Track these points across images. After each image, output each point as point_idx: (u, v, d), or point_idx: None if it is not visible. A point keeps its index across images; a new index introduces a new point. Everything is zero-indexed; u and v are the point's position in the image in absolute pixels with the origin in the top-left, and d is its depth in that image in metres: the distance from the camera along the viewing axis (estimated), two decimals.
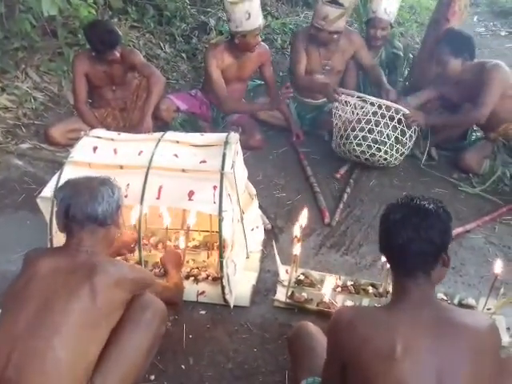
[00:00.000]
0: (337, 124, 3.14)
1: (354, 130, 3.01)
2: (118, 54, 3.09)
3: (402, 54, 3.87)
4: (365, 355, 1.19)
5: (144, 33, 4.59)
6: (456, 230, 2.61)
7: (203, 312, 2.04)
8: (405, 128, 2.98)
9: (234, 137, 2.07)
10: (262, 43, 3.42)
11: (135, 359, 1.46)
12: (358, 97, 3.02)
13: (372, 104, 2.95)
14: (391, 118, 2.95)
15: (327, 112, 3.56)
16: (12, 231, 2.39)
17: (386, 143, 2.98)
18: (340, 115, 3.09)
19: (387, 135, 2.97)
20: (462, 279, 2.33)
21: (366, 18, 3.74)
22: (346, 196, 2.89)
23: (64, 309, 1.32)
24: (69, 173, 1.95)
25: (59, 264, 1.42)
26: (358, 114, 3.00)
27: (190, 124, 3.41)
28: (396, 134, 2.97)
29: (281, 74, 4.42)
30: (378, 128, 2.95)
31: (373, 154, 3.02)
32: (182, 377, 1.76)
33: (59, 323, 1.30)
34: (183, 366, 1.80)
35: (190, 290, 2.08)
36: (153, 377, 1.75)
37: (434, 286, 1.28)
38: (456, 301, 2.12)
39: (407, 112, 2.97)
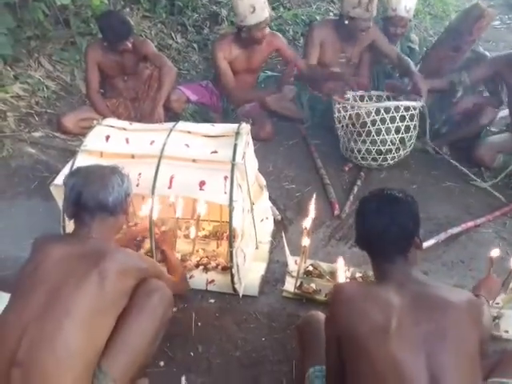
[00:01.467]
0: (339, 129, 3.11)
1: (356, 142, 2.99)
2: (129, 45, 3.11)
3: (417, 47, 3.82)
4: (361, 328, 1.25)
5: (156, 23, 4.59)
6: (466, 224, 2.61)
7: (212, 300, 2.06)
8: (409, 122, 2.92)
9: (246, 128, 2.07)
10: (271, 31, 3.37)
11: (141, 344, 1.47)
12: (352, 107, 2.97)
13: (369, 112, 2.89)
14: (392, 120, 2.88)
15: None
16: (25, 219, 2.41)
17: (391, 150, 2.96)
18: (340, 121, 3.06)
19: (391, 141, 2.93)
20: (471, 273, 2.32)
21: (383, 15, 3.63)
22: (356, 188, 2.88)
23: (74, 294, 1.33)
24: (81, 161, 1.97)
25: (69, 250, 1.43)
26: (356, 125, 2.95)
27: (201, 115, 3.42)
28: (400, 135, 2.93)
29: None
30: (380, 137, 2.91)
31: (380, 164, 3.03)
32: (191, 364, 1.79)
33: (69, 308, 1.32)
34: (192, 353, 1.83)
35: (200, 279, 2.10)
36: (162, 363, 1.78)
37: (412, 266, 1.38)
38: None
39: (420, 104, 2.92)
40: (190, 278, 2.11)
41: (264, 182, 2.38)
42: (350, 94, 3.14)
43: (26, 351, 1.26)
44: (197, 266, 2.16)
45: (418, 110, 2.94)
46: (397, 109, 2.87)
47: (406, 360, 1.20)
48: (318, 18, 5.05)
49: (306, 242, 2.02)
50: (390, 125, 2.88)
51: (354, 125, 2.98)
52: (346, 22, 3.24)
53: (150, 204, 1.93)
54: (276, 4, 5.10)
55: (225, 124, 2.26)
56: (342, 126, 3.06)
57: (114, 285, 1.39)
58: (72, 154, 2.12)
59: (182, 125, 2.15)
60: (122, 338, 1.43)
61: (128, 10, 4.45)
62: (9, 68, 3.63)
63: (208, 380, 1.74)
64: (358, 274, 2.18)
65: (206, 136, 2.08)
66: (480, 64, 3.17)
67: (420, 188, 2.97)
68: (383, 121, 2.88)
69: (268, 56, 3.46)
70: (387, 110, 2.87)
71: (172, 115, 3.30)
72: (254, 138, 2.20)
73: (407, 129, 2.94)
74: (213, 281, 2.10)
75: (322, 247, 2.43)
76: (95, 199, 1.48)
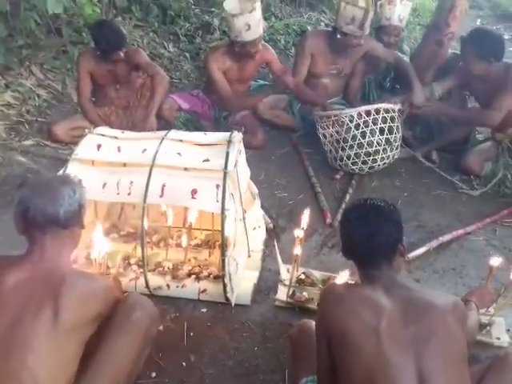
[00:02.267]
0: (325, 144, 3.16)
1: (343, 149, 3.04)
2: (122, 55, 3.11)
3: (408, 58, 3.87)
4: (352, 327, 1.28)
5: (148, 32, 4.61)
6: (457, 232, 2.62)
7: (204, 310, 2.04)
8: (391, 124, 2.99)
9: (238, 136, 2.07)
10: (263, 43, 3.40)
11: (123, 364, 1.40)
12: (335, 115, 3.02)
13: (351, 117, 2.95)
14: (375, 122, 2.95)
15: None
16: (13, 230, 2.39)
17: (379, 151, 3.00)
18: (325, 136, 3.13)
19: (377, 143, 2.98)
20: (462, 281, 2.34)
21: (376, 25, 3.66)
22: (347, 197, 2.90)
23: (32, 326, 1.24)
24: (73, 170, 1.96)
25: (23, 275, 1.31)
26: (341, 132, 3.01)
27: (193, 123, 3.43)
28: (385, 136, 2.98)
29: None
30: (366, 139, 2.97)
31: (371, 167, 3.07)
32: (183, 374, 1.77)
33: (31, 342, 1.23)
34: (184, 364, 1.81)
35: (192, 288, 2.09)
36: (154, 374, 1.75)
37: (396, 270, 1.42)
38: None
39: (397, 107, 3.00)
40: (182, 287, 2.10)
41: (256, 191, 2.38)
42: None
43: None
44: (189, 275, 2.14)
45: (397, 113, 3.03)
46: (377, 111, 2.95)
47: (396, 360, 1.22)
48: (309, 27, 5.10)
49: (298, 250, 2.02)
50: (374, 126, 2.95)
51: (338, 132, 3.03)
52: (338, 36, 3.26)
53: (142, 212, 1.92)
54: (268, 14, 5.15)
55: (217, 132, 2.26)
56: (328, 140, 3.12)
57: (73, 313, 1.29)
58: (63, 162, 2.10)
59: (174, 133, 2.15)
60: (103, 358, 1.37)
61: (120, 18, 4.47)
62: (0, 76, 3.62)
63: None
64: (350, 282, 2.18)
65: (198, 144, 2.08)
66: (449, 74, 3.24)
67: (411, 196, 3.00)
68: (366, 123, 2.95)
69: (259, 67, 3.48)
70: (368, 113, 2.95)
71: (164, 124, 3.31)
72: (245, 147, 2.20)
73: (390, 130, 3.00)
74: (205, 290, 2.09)
75: (315, 255, 2.43)
76: (44, 213, 1.35)
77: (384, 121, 2.96)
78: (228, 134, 2.09)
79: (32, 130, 3.40)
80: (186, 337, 1.91)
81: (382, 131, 2.97)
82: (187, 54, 4.59)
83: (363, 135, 2.97)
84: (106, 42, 3.04)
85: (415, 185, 3.13)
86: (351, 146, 3.01)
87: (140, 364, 1.54)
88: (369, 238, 1.37)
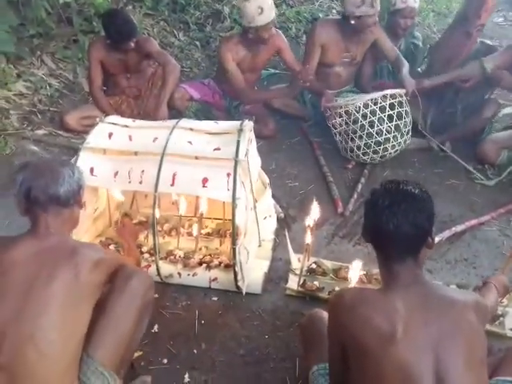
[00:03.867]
0: (336, 135, 3.13)
1: (353, 140, 3.00)
2: (132, 45, 3.10)
3: (421, 44, 3.80)
4: (366, 337, 1.21)
5: (158, 20, 4.58)
6: (470, 222, 2.59)
7: (215, 298, 2.06)
8: (399, 109, 2.94)
9: (248, 125, 2.06)
10: (275, 30, 3.37)
11: (124, 326, 1.48)
12: (341, 107, 2.98)
13: (357, 107, 2.91)
14: (382, 110, 2.90)
15: None
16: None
17: (389, 139, 2.96)
18: (335, 126, 3.08)
19: (387, 131, 2.93)
20: (475, 271, 2.31)
21: (392, 9, 3.55)
22: (360, 186, 2.88)
23: (46, 291, 1.32)
24: (84, 158, 1.97)
25: (33, 249, 1.39)
26: (349, 123, 2.97)
27: (204, 113, 3.42)
28: (394, 123, 2.93)
29: None
30: (375, 128, 2.92)
31: (383, 156, 3.03)
32: (195, 361, 1.79)
33: (44, 305, 1.31)
34: (195, 351, 1.82)
35: (203, 277, 2.10)
36: (165, 360, 1.78)
37: (421, 266, 1.33)
38: None
39: (404, 91, 2.97)
40: (194, 275, 2.11)
41: (267, 180, 2.37)
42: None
43: (7, 354, 1.25)
44: (200, 263, 2.15)
45: (404, 97, 2.98)
46: (383, 98, 2.89)
47: (413, 362, 1.16)
48: (320, 15, 5.03)
49: (309, 239, 2.01)
50: (382, 114, 2.90)
51: (347, 123, 2.99)
52: (353, 21, 3.22)
53: (154, 201, 1.92)
54: (279, 1, 5.08)
55: (228, 121, 2.25)
56: (338, 131, 3.08)
57: (86, 278, 1.38)
58: (75, 151, 2.11)
59: (184, 122, 2.15)
60: (105, 322, 1.45)
61: (130, 7, 4.45)
62: (12, 66, 3.64)
63: (211, 377, 1.74)
64: (361, 273, 2.16)
65: (208, 133, 2.07)
66: (503, 52, 3.13)
67: (423, 186, 2.96)
68: (373, 112, 2.89)
69: (272, 55, 3.46)
70: (375, 102, 2.89)
71: (175, 113, 3.30)
72: (256, 136, 2.19)
73: (399, 116, 2.95)
74: (216, 278, 2.09)
75: (326, 245, 2.42)
76: (46, 192, 1.43)
77: (392, 107, 2.92)
78: (239, 122, 2.08)
79: (44, 119, 3.42)
80: (197, 324, 1.93)
81: (390, 118, 2.93)
82: (197, 43, 4.55)
83: (371, 125, 2.92)
84: (117, 33, 3.03)
85: (428, 174, 3.09)
86: (360, 137, 2.97)
87: (141, 329, 1.60)
88: (397, 229, 1.24)
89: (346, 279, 2.14)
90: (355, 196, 2.78)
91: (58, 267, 1.36)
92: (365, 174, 3.01)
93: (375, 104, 2.90)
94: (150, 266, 2.09)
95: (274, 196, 2.51)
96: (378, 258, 1.35)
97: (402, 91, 2.98)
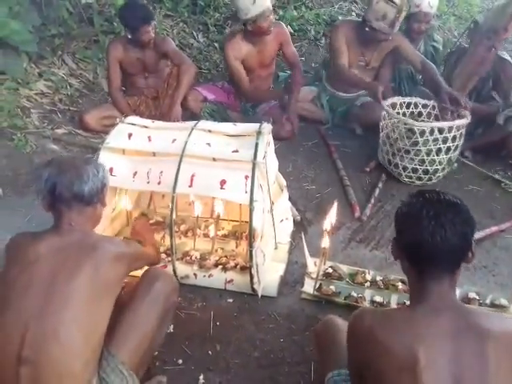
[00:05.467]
0: (382, 138, 3.01)
1: (402, 158, 2.87)
2: (152, 34, 3.11)
3: (441, 47, 3.76)
4: (383, 363, 1.14)
5: (178, 22, 4.62)
6: (490, 229, 2.55)
7: (231, 300, 2.05)
8: (458, 142, 2.80)
9: (267, 127, 2.06)
10: (277, 21, 3.36)
11: (146, 327, 1.51)
12: (405, 123, 2.79)
13: (423, 131, 2.72)
14: (444, 141, 2.75)
15: (359, 106, 3.52)
16: (47, 214, 2.44)
17: (438, 170, 2.88)
18: (388, 135, 2.93)
19: (439, 162, 2.84)
20: (494, 279, 2.27)
21: (406, 13, 3.58)
22: (377, 191, 2.85)
23: (69, 286, 1.34)
24: (104, 158, 1.99)
25: (56, 244, 1.41)
26: (405, 142, 2.82)
27: (219, 114, 3.43)
28: (451, 155, 2.83)
29: (313, 65, 4.37)
30: (431, 157, 2.80)
31: (424, 184, 2.90)
32: (209, 362, 1.78)
33: (67, 300, 1.33)
34: (210, 352, 1.82)
35: (219, 278, 2.10)
36: (180, 361, 1.78)
37: (455, 286, 1.23)
38: (488, 301, 2.07)
39: (468, 121, 2.79)
40: (209, 276, 2.11)
41: (284, 183, 2.36)
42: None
43: (31, 348, 1.27)
44: (216, 265, 2.15)
45: (462, 129, 2.81)
46: (450, 129, 2.74)
47: None
48: (340, 17, 5.01)
49: (325, 243, 2.00)
50: (442, 145, 2.76)
51: (402, 139, 2.84)
52: (367, 29, 3.22)
53: (172, 202, 1.93)
54: (298, 4, 5.09)
55: (246, 124, 2.25)
56: (387, 139, 2.93)
57: (107, 272, 1.41)
58: (94, 151, 2.14)
59: (203, 124, 2.16)
60: (128, 321, 1.48)
61: (150, 8, 4.48)
62: (33, 65, 3.71)
63: (226, 379, 1.73)
64: (378, 278, 2.15)
65: (227, 135, 2.08)
66: None
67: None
68: (435, 141, 2.75)
69: (278, 48, 3.44)
70: (441, 131, 2.73)
71: (190, 115, 3.31)
72: (274, 138, 2.19)
73: (455, 148, 2.85)
74: (231, 280, 2.09)
75: (342, 249, 2.40)
76: (70, 189, 1.45)
77: (453, 139, 2.77)
78: (257, 125, 2.08)
79: (64, 118, 3.47)
80: (213, 326, 1.92)
81: (447, 150, 2.80)
82: (216, 45, 4.57)
83: (428, 152, 2.79)
84: (133, 16, 3.04)
85: (446, 180, 3.04)
86: (411, 159, 2.85)
87: (163, 331, 1.63)
88: (445, 241, 1.14)
89: (362, 284, 2.12)
90: (372, 201, 2.76)
91: (80, 262, 1.38)
92: (382, 178, 2.98)
93: (440, 133, 2.74)
94: (166, 266, 2.10)
95: (290, 199, 2.51)
96: (410, 275, 1.26)
97: (466, 121, 2.80)
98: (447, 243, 1.15)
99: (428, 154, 2.81)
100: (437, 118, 3.02)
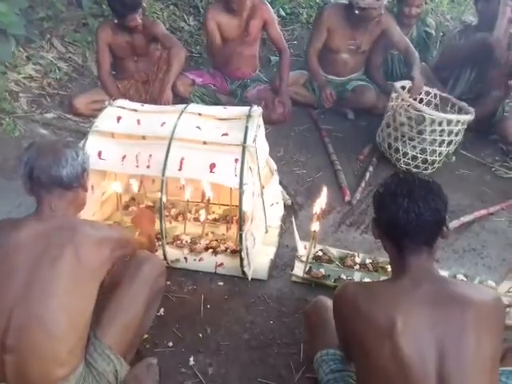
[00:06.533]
0: (385, 119, 2.99)
1: (404, 144, 2.84)
2: (139, 20, 3.07)
3: (434, 32, 3.74)
4: (365, 332, 1.21)
5: (168, 4, 4.55)
6: (479, 212, 2.58)
7: (221, 283, 2.07)
8: (459, 136, 2.80)
9: (257, 111, 2.05)
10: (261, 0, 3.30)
11: (133, 311, 1.50)
12: (416, 109, 2.72)
13: (432, 120, 2.68)
14: (450, 133, 2.74)
15: (350, 90, 3.51)
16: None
17: (436, 161, 2.87)
18: (394, 118, 2.87)
19: (439, 153, 2.83)
20: (482, 261, 2.30)
21: None
22: (368, 175, 2.86)
23: (51, 271, 1.32)
24: (93, 142, 1.98)
25: (38, 230, 1.39)
26: (410, 128, 2.78)
27: (209, 96, 3.39)
28: (452, 147, 2.83)
29: (305, 48, 4.33)
30: (433, 147, 2.78)
31: (419, 173, 2.81)
32: (200, 345, 1.80)
33: (49, 286, 1.31)
34: (201, 335, 1.84)
35: (209, 262, 2.11)
36: (171, 343, 1.79)
37: (434, 259, 1.30)
38: (476, 282, 2.10)
39: (472, 117, 2.77)
40: (200, 260, 2.12)
41: (275, 167, 2.36)
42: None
43: (15, 336, 1.26)
44: (206, 249, 2.16)
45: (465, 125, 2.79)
46: (457, 122, 2.71)
47: (413, 357, 1.14)
48: (332, 1, 4.95)
49: (315, 226, 2.01)
50: (446, 138, 2.74)
51: (407, 126, 2.79)
52: (357, 11, 3.17)
53: (161, 185, 1.92)
54: None
55: (236, 107, 2.24)
56: (394, 116, 2.86)
57: (89, 256, 1.38)
58: (83, 135, 2.12)
59: (193, 107, 2.14)
60: (115, 306, 1.47)
61: None
62: (21, 49, 3.64)
63: (216, 360, 1.75)
64: (367, 261, 2.17)
65: (217, 118, 2.06)
66: None
67: (432, 175, 2.94)
68: (442, 131, 2.72)
69: (261, 26, 3.36)
70: (449, 122, 2.70)
71: (180, 100, 3.27)
72: (265, 122, 2.18)
73: (456, 142, 2.84)
74: (222, 264, 2.10)
75: (332, 233, 2.42)
76: (47, 173, 1.43)
77: (457, 133, 2.76)
78: (247, 108, 2.06)
79: (53, 102, 3.42)
80: (203, 309, 1.94)
81: (449, 143, 2.79)
82: None
83: (432, 142, 2.77)
84: (121, 4, 2.99)
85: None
86: (413, 147, 2.82)
87: (151, 315, 1.62)
88: (420, 216, 1.22)
89: (351, 267, 2.14)
90: (363, 185, 2.77)
91: (61, 247, 1.36)
92: (373, 162, 2.99)
93: (448, 124, 2.70)
94: (156, 250, 2.10)
95: (281, 183, 2.51)
96: (391, 252, 1.32)
97: (471, 117, 2.76)
98: (422, 218, 1.22)
99: (432, 144, 2.79)
100: (436, 107, 3.00)
